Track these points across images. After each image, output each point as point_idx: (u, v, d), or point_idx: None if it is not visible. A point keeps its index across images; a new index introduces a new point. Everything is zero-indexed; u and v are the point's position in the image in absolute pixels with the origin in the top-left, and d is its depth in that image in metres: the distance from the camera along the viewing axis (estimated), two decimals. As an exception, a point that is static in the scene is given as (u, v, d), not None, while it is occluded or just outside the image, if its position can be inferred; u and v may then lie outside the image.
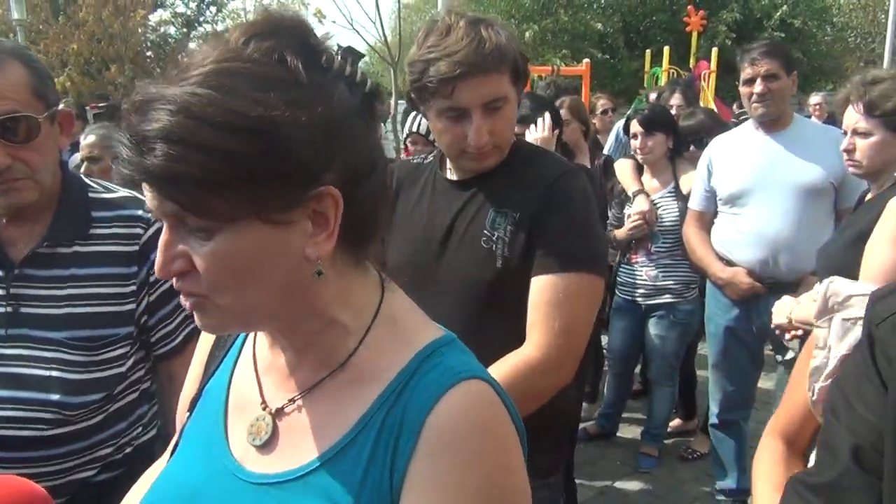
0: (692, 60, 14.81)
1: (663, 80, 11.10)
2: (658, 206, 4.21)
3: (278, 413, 1.00)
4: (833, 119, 6.04)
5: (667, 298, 4.25)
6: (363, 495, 0.89)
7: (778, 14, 21.12)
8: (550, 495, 1.95)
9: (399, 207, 1.94)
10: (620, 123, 6.33)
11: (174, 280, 0.90)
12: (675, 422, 4.91)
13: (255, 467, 0.98)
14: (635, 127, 4.25)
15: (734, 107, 9.78)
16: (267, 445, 0.99)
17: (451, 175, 1.92)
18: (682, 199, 4.09)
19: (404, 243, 1.86)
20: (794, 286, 3.08)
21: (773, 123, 3.49)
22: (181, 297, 0.92)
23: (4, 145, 1.51)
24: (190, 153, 0.80)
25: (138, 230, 1.72)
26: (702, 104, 7.71)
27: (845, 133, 2.69)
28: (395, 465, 0.89)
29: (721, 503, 3.96)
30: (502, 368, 1.66)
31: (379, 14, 13.61)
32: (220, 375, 1.12)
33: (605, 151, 5.51)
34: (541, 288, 1.74)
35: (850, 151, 2.65)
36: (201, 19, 28.55)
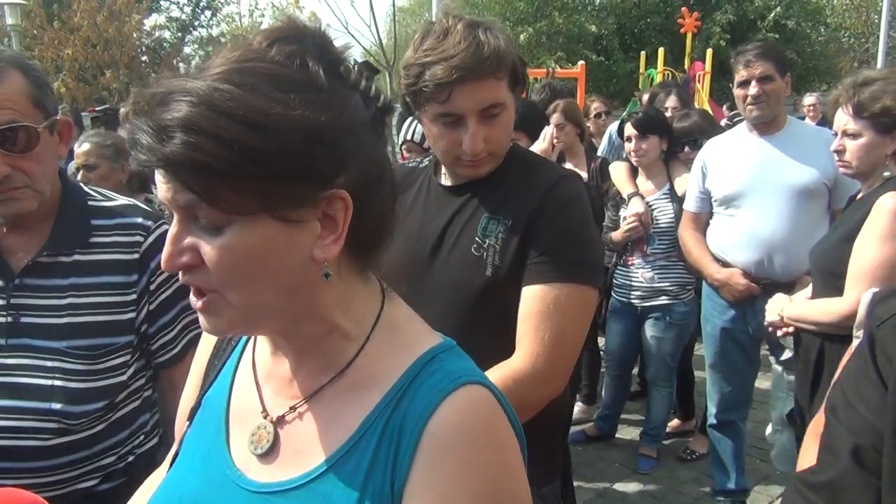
0: (687, 62, 14.86)
1: (658, 82, 11.11)
2: (653, 208, 4.22)
3: (279, 421, 1.01)
4: (827, 120, 6.06)
5: (663, 300, 4.26)
6: (365, 501, 0.90)
7: (772, 15, 21.18)
8: None
9: None
10: (613, 126, 6.34)
11: (181, 274, 0.90)
12: (674, 422, 4.92)
13: (257, 476, 0.98)
14: (629, 130, 4.26)
15: (724, 108, 9.83)
16: (268, 454, 0.99)
17: (446, 180, 1.88)
18: (677, 200, 4.10)
19: (396, 248, 1.84)
20: (789, 287, 3.09)
21: (767, 125, 3.50)
22: (192, 297, 0.92)
23: (4, 155, 1.51)
24: (208, 143, 0.82)
25: (138, 238, 1.72)
26: (696, 105, 7.74)
27: (836, 134, 2.72)
28: (397, 471, 0.90)
29: (720, 503, 3.96)
30: (490, 379, 1.64)
31: (374, 17, 13.63)
32: (220, 384, 1.12)
33: (599, 154, 5.51)
34: (531, 298, 1.69)
35: (840, 152, 2.68)
36: (196, 24, 28.54)
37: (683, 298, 4.26)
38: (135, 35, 20.24)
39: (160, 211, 2.99)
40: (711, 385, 3.85)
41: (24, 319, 1.61)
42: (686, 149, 4.38)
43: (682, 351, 4.52)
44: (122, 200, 1.81)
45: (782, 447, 3.00)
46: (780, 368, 2.99)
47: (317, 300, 0.95)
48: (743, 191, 3.51)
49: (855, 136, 2.61)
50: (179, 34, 27.50)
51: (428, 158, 2.02)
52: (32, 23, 18.35)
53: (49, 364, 1.59)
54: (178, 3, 28.29)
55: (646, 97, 6.65)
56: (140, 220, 1.75)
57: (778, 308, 2.82)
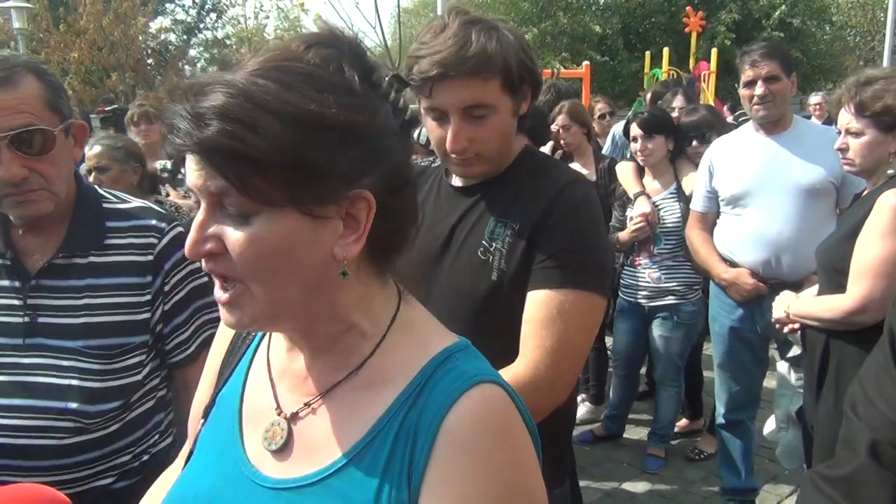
0: (692, 61, 14.84)
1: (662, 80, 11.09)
2: (660, 207, 4.22)
3: (293, 418, 1.02)
4: (833, 119, 6.06)
5: (670, 300, 4.27)
6: (381, 498, 0.91)
7: (777, 14, 21.14)
8: None
9: None
10: (617, 127, 6.35)
11: (203, 262, 0.92)
12: (682, 422, 4.92)
13: (271, 472, 1.00)
14: (635, 130, 4.27)
15: (725, 108, 9.81)
16: (282, 450, 1.01)
17: (456, 181, 1.87)
18: (684, 200, 4.11)
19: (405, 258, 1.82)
20: (797, 286, 3.09)
21: (773, 125, 3.50)
22: (217, 290, 0.94)
23: (21, 157, 1.54)
24: (244, 132, 0.84)
25: (152, 240, 1.74)
26: (702, 105, 7.72)
27: (839, 133, 2.74)
28: (413, 469, 0.91)
29: (729, 503, 3.96)
30: None
31: (379, 19, 13.67)
32: (234, 382, 1.13)
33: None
34: (536, 303, 1.66)
35: (843, 150, 2.72)
36: (201, 26, 28.60)
37: (691, 298, 4.26)
38: (140, 38, 20.31)
39: (172, 212, 3.01)
40: (720, 384, 3.85)
41: (40, 320, 1.63)
42: (694, 143, 4.38)
43: (690, 350, 4.53)
44: (136, 202, 1.83)
45: (788, 444, 3.01)
46: (786, 365, 3.00)
47: (336, 299, 0.97)
48: (750, 190, 3.51)
49: (857, 134, 2.64)
50: (185, 37, 27.59)
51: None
52: (39, 26, 18.42)
53: (65, 363, 1.62)
54: (184, 5, 28.41)
55: (649, 96, 6.65)
56: (154, 221, 1.77)
57: (784, 305, 2.85)
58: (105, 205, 1.77)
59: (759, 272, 3.50)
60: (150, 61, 21.99)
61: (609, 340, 4.95)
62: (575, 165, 4.88)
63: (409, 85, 1.12)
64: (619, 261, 4.45)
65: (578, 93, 8.07)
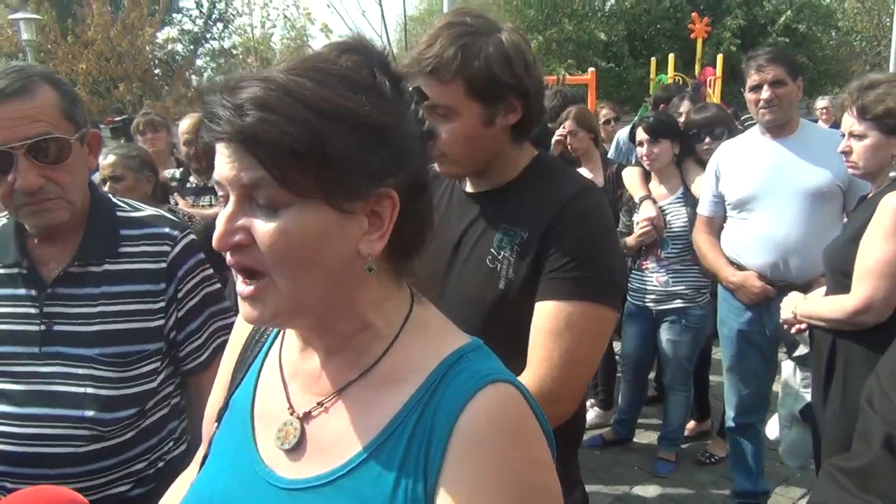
0: (697, 67, 14.83)
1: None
2: (667, 212, 4.23)
3: (306, 417, 1.03)
4: (839, 123, 6.06)
5: (678, 303, 4.26)
6: (397, 497, 0.92)
7: (782, 19, 21.11)
8: None
9: None
10: (621, 133, 6.36)
11: (229, 254, 0.94)
12: (690, 424, 4.90)
13: (285, 473, 1.00)
14: (641, 135, 4.27)
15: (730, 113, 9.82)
16: (295, 450, 1.01)
17: (468, 187, 1.85)
18: (691, 204, 4.10)
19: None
20: (804, 288, 3.09)
21: (780, 129, 3.51)
22: (240, 284, 0.95)
23: (37, 166, 1.55)
24: (282, 122, 0.87)
25: (166, 247, 1.76)
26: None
27: (843, 136, 2.77)
28: (429, 467, 0.92)
29: (739, 506, 3.96)
30: None
31: (385, 27, 13.71)
32: (246, 385, 1.14)
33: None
34: (543, 314, 1.63)
35: (847, 153, 2.75)
36: (208, 36, 28.73)
37: (699, 302, 4.26)
38: (147, 48, 20.41)
39: (185, 221, 3.03)
40: (729, 388, 3.85)
41: (56, 328, 1.64)
42: (707, 140, 4.39)
43: (698, 354, 4.52)
44: (149, 211, 1.84)
45: (791, 443, 3.02)
46: (792, 364, 3.01)
47: (356, 297, 0.99)
48: (757, 194, 3.52)
49: (860, 137, 2.67)
50: (192, 47, 27.72)
51: None
52: (47, 37, 18.54)
53: (81, 372, 1.63)
54: (191, 15, 28.55)
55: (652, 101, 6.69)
56: (167, 229, 1.79)
57: (792, 306, 2.88)
58: (119, 213, 1.79)
59: (766, 275, 3.51)
60: (157, 71, 22.08)
61: (617, 345, 4.94)
62: (583, 171, 4.89)
63: (428, 99, 1.14)
64: (627, 265, 4.46)
65: (584, 99, 8.09)
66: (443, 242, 1.78)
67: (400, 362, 1.01)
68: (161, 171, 4.58)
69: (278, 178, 0.88)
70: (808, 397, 2.90)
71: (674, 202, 4.24)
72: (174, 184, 4.82)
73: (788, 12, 21.26)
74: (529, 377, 1.60)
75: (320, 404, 1.02)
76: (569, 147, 4.88)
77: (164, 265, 1.75)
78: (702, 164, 4.17)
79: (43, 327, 1.64)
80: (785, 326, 2.95)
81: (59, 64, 18.12)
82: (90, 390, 1.62)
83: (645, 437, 4.90)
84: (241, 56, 27.05)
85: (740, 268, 3.61)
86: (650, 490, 4.30)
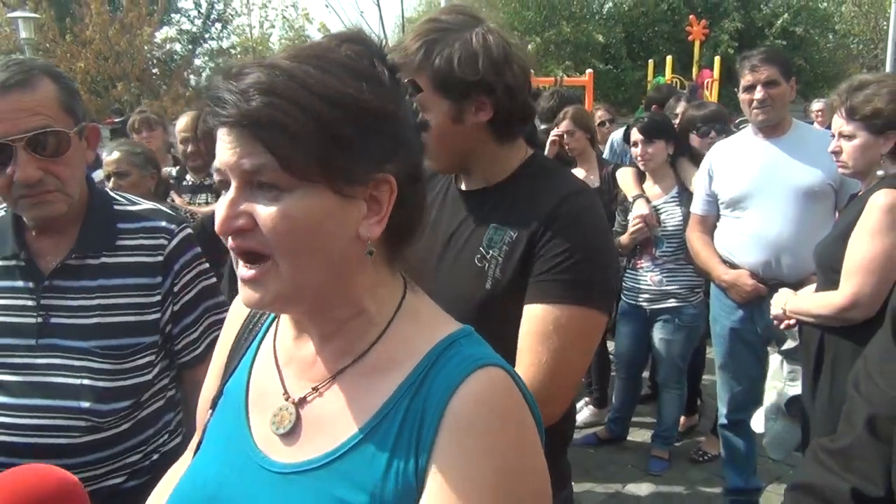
0: (695, 69, 14.86)
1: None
2: (661, 211, 4.26)
3: (301, 402, 1.05)
4: (834, 124, 6.08)
5: (671, 303, 4.30)
6: (389, 479, 0.93)
7: (780, 22, 21.10)
8: None
9: None
10: (615, 134, 6.39)
11: (231, 239, 0.96)
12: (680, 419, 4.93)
13: (279, 457, 1.02)
14: (635, 135, 4.30)
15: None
16: (290, 435, 1.03)
17: (462, 185, 1.83)
18: (685, 204, 4.13)
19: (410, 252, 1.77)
20: (796, 287, 3.11)
21: (772, 129, 3.54)
22: (241, 267, 0.97)
23: (37, 159, 1.57)
24: (288, 106, 0.90)
25: (163, 241, 1.77)
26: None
27: (833, 136, 2.81)
28: (420, 450, 0.94)
29: (733, 503, 3.97)
30: None
31: (383, 28, 13.71)
32: (240, 372, 1.16)
33: (601, 161, 5.54)
34: (531, 317, 1.60)
35: (837, 153, 2.79)
36: (206, 36, 28.67)
37: (692, 301, 4.29)
38: (146, 48, 20.38)
39: (185, 216, 3.04)
40: (721, 385, 3.87)
41: (53, 320, 1.66)
42: (712, 134, 4.42)
43: (692, 353, 4.55)
44: (146, 205, 1.86)
45: (776, 436, 3.05)
46: (779, 358, 3.04)
47: (353, 281, 1.01)
48: (749, 193, 3.55)
49: (850, 137, 2.71)
50: (190, 46, 27.67)
51: None
52: (45, 36, 18.53)
53: (77, 363, 1.64)
54: (189, 15, 28.51)
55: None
56: (164, 223, 1.80)
57: (782, 302, 2.91)
58: (116, 206, 1.80)
59: (758, 273, 3.53)
60: (155, 71, 22.07)
61: (611, 344, 4.97)
62: (578, 171, 4.92)
63: (422, 90, 1.16)
64: (621, 264, 4.48)
65: (581, 100, 8.11)
66: (435, 239, 1.77)
67: (392, 349, 1.02)
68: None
69: (282, 162, 0.90)
70: (794, 390, 2.93)
71: (668, 201, 4.27)
72: (171, 181, 4.84)
73: (786, 15, 21.25)
74: None
75: (315, 389, 1.04)
76: (566, 147, 4.90)
77: (160, 259, 1.76)
78: (697, 161, 4.20)
79: (40, 319, 1.65)
80: (775, 322, 2.98)
81: (57, 63, 18.00)
82: (86, 381, 1.63)
83: (639, 436, 4.93)
84: (239, 56, 27.03)
85: (733, 266, 3.63)
86: (643, 488, 4.33)
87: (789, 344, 2.97)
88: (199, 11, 28.52)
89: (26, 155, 1.55)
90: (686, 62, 16.06)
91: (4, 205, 1.72)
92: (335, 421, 1.00)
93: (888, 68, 13.24)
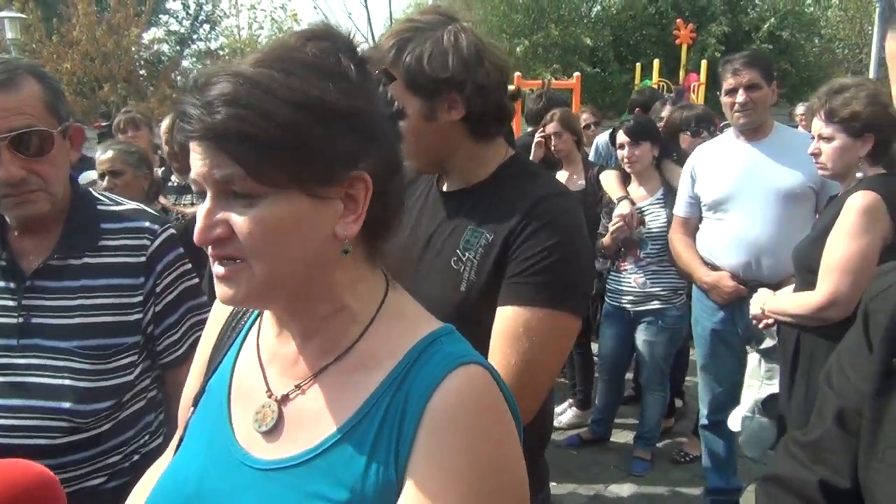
0: (682, 73, 14.93)
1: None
2: (646, 212, 4.29)
3: (283, 400, 1.05)
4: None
5: (655, 305, 4.32)
6: (369, 476, 0.95)
7: (766, 26, 21.24)
8: None
9: None
10: (600, 137, 6.43)
11: (210, 248, 0.97)
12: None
13: (261, 454, 1.03)
14: (622, 137, 4.33)
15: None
16: (272, 432, 1.04)
17: (443, 186, 1.83)
18: (671, 206, 4.16)
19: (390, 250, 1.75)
20: (776, 288, 3.15)
21: (754, 132, 3.58)
22: (214, 265, 0.98)
23: (20, 159, 1.57)
24: (253, 116, 0.90)
25: (145, 241, 1.77)
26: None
27: (813, 138, 2.85)
28: (401, 447, 0.95)
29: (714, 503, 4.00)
30: None
31: (371, 31, 13.71)
32: (223, 370, 1.17)
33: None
34: (503, 319, 1.59)
35: (816, 155, 2.83)
36: (194, 37, 28.56)
37: (675, 303, 4.32)
38: (133, 49, 20.25)
39: (174, 218, 3.03)
40: (703, 386, 3.90)
41: (34, 320, 1.65)
42: (704, 134, 4.46)
43: (675, 355, 4.58)
44: (130, 205, 1.85)
45: (752, 434, 3.08)
46: (757, 356, 3.07)
47: (332, 278, 1.02)
48: (731, 195, 3.58)
49: (828, 139, 2.76)
50: (178, 48, 27.57)
51: None
52: (31, 37, 18.37)
53: (59, 364, 1.63)
54: (177, 16, 28.43)
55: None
56: (147, 224, 1.80)
57: (761, 301, 2.94)
58: (99, 207, 1.79)
59: (739, 275, 3.57)
60: (142, 72, 21.93)
61: (595, 346, 5.00)
62: (564, 173, 4.95)
63: (395, 79, 1.17)
64: (605, 266, 4.51)
65: (568, 103, 8.14)
66: (414, 241, 1.77)
67: (375, 346, 1.03)
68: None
69: (250, 172, 0.91)
70: (771, 389, 2.97)
71: (653, 203, 4.30)
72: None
73: (772, 19, 21.39)
74: None
75: (298, 387, 1.05)
76: (552, 149, 4.93)
77: (143, 259, 1.75)
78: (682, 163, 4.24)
79: (21, 320, 1.64)
80: (754, 322, 3.02)
81: (44, 63, 17.87)
82: (67, 382, 1.63)
83: (622, 437, 4.96)
84: (227, 57, 26.93)
85: (714, 268, 3.66)
86: (625, 489, 4.35)
87: (767, 343, 3.00)
88: (187, 12, 28.48)
89: (9, 154, 1.55)
90: (673, 66, 16.13)
91: None
92: (317, 418, 1.01)
93: (871, 73, 13.34)
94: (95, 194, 1.85)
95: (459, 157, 1.75)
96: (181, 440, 1.17)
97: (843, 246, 2.58)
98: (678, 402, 5.23)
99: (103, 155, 3.71)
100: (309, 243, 0.97)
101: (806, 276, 2.74)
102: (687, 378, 5.20)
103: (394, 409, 0.97)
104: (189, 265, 1.88)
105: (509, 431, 1.00)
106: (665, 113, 5.71)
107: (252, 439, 1.05)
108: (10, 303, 1.66)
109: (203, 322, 1.80)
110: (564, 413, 5.22)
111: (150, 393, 1.84)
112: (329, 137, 0.94)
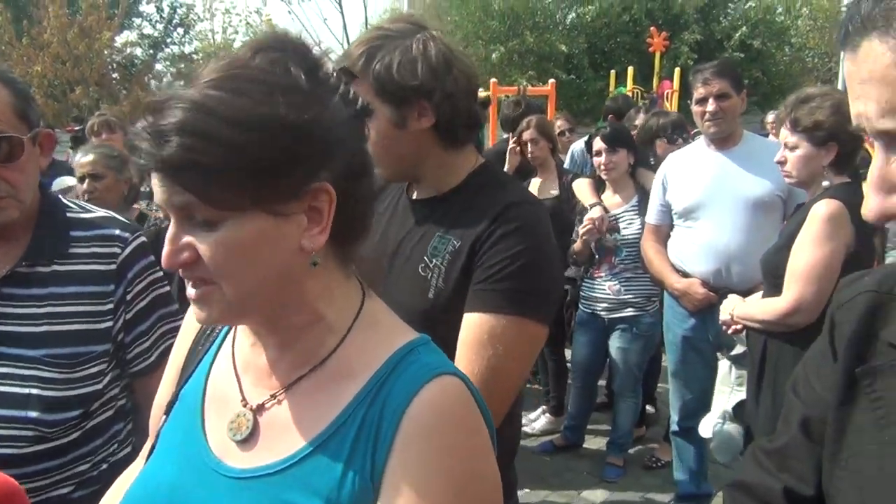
0: (655, 80, 15.05)
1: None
2: (621, 219, 4.32)
3: (259, 409, 1.05)
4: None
5: (629, 312, 4.35)
6: (345, 485, 0.95)
7: (738, 35, 21.45)
8: None
9: None
10: (576, 145, 6.46)
11: (181, 270, 0.97)
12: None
13: (235, 462, 1.03)
14: (598, 144, 4.36)
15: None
16: (247, 441, 1.04)
17: (413, 194, 1.83)
18: (645, 213, 4.20)
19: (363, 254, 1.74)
20: (746, 295, 3.19)
21: (724, 140, 3.63)
22: (189, 288, 0.98)
23: None
24: (202, 144, 0.90)
25: (116, 249, 1.75)
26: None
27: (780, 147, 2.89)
28: (377, 456, 0.95)
29: (683, 508, 4.04)
30: None
31: (347, 37, 13.69)
32: (197, 378, 1.16)
33: (562, 171, 5.61)
34: (468, 326, 1.58)
35: (782, 163, 2.88)
36: (168, 41, 28.34)
37: (649, 310, 4.35)
38: (105, 52, 20.06)
39: (154, 222, 2.97)
40: (673, 392, 3.94)
41: (1, 328, 1.62)
42: (679, 140, 4.50)
43: (648, 362, 4.61)
44: (100, 212, 1.83)
45: (722, 440, 3.11)
46: (728, 363, 3.11)
47: (303, 290, 1.02)
48: (701, 203, 3.63)
49: (794, 147, 2.81)
50: (151, 51, 27.35)
51: None
52: (1, 39, 18.16)
53: (26, 372, 1.61)
54: (151, 20, 28.20)
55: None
56: (118, 231, 1.78)
57: (730, 308, 2.98)
58: (69, 214, 1.77)
59: (709, 282, 3.61)
60: (115, 75, 21.73)
61: (568, 352, 5.02)
62: (538, 180, 4.97)
63: (356, 77, 1.15)
64: (579, 273, 4.54)
65: (544, 109, 8.18)
66: (384, 248, 1.77)
67: (352, 356, 1.04)
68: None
69: (204, 199, 0.91)
70: (742, 395, 3.00)
71: (628, 210, 4.33)
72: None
73: (744, 28, 21.61)
74: None
75: (273, 396, 1.05)
76: (529, 155, 4.96)
77: (113, 267, 1.74)
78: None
79: None
80: (724, 328, 3.06)
81: (14, 66, 17.68)
82: (35, 391, 1.60)
83: (594, 443, 4.98)
84: (201, 61, 26.74)
85: (685, 275, 3.70)
86: (598, 494, 4.38)
87: (738, 349, 3.04)
88: (161, 16, 28.25)
89: None
90: (647, 73, 16.24)
91: None
92: (293, 428, 1.01)
93: (840, 82, 13.55)
94: (65, 201, 1.83)
95: (430, 164, 1.75)
96: (153, 448, 1.16)
97: (807, 253, 2.62)
98: (650, 409, 5.27)
99: (84, 158, 3.63)
100: (276, 260, 0.97)
101: (773, 283, 2.79)
102: (658, 385, 5.24)
103: (370, 419, 0.97)
104: (160, 273, 1.86)
105: (484, 443, 1.01)
106: (639, 121, 5.76)
107: (226, 448, 1.05)
108: None
109: (174, 330, 1.79)
110: (538, 419, 5.24)
111: (120, 402, 1.82)
112: (283, 154, 0.93)
